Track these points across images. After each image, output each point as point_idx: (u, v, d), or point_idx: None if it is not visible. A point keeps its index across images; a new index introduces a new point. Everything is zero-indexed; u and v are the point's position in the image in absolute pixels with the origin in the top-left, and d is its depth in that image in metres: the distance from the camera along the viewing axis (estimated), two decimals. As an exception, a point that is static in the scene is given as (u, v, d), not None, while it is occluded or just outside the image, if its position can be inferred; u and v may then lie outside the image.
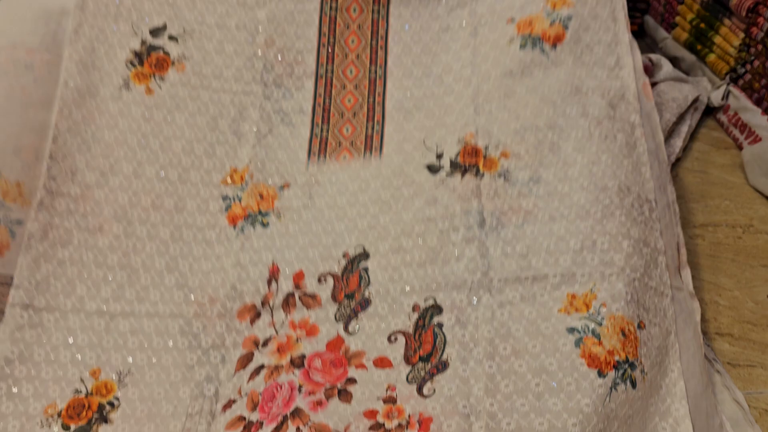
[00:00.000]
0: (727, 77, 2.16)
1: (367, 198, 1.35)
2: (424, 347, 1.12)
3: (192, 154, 1.37)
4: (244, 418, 1.09)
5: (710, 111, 2.30)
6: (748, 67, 2.10)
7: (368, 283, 1.24)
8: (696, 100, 2.13)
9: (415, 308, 1.17)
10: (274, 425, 1.05)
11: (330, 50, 1.50)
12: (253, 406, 1.10)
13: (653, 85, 2.10)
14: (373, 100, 1.46)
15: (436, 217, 1.27)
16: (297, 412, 1.06)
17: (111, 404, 1.16)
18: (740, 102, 2.08)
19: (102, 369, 1.19)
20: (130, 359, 1.19)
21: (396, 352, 1.13)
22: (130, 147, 1.34)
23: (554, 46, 1.39)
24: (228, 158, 1.39)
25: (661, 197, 1.28)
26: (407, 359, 1.12)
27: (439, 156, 1.36)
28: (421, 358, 1.11)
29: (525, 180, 1.27)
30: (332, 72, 1.49)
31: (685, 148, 2.05)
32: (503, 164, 1.29)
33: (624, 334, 1.05)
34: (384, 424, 1.03)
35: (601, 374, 1.02)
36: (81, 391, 1.18)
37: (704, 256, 1.52)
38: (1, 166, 1.27)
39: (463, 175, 1.31)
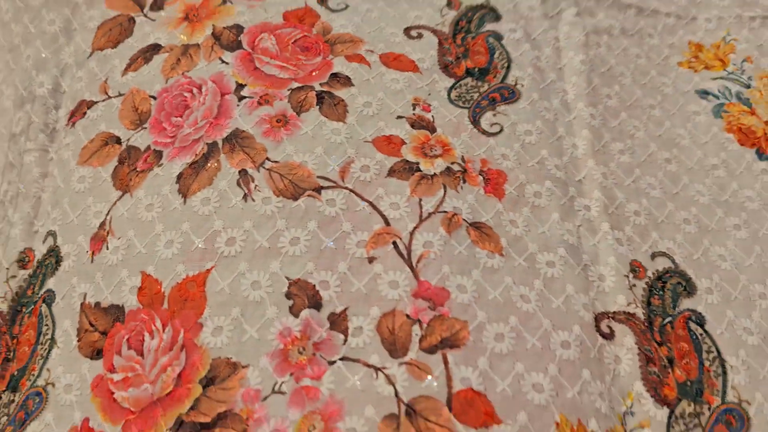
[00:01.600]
0: None
1: None
2: (474, 57, 0.61)
3: None
4: (118, 141, 0.54)
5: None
6: None
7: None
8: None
9: (451, 3, 0.65)
10: (187, 160, 0.51)
11: None
12: (139, 120, 0.55)
13: None
14: None
15: None
16: (238, 139, 0.52)
17: None
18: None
19: None
20: None
21: (423, 51, 0.61)
22: None
23: None
24: None
25: None
26: (445, 67, 0.60)
27: None
28: (469, 72, 0.60)
29: None
30: None
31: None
32: None
33: None
34: (418, 165, 0.53)
35: (762, 155, 0.62)
36: None
37: None
38: None
39: None
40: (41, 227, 0.54)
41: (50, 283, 0.50)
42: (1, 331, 0.50)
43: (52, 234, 0.52)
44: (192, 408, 0.41)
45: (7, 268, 0.52)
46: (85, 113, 0.57)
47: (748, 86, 0.67)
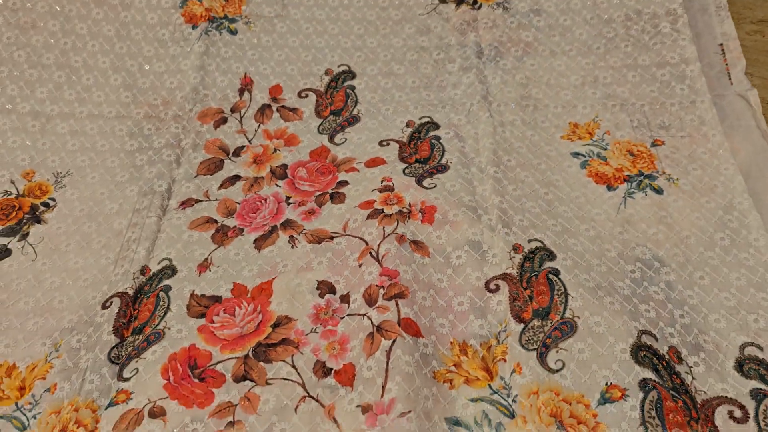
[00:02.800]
0: None
1: (350, 15, 1.25)
2: (421, 152, 1.03)
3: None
4: (215, 221, 0.96)
5: None
6: None
7: (356, 101, 1.13)
8: None
9: (409, 124, 1.08)
10: (259, 233, 0.93)
11: None
12: (228, 213, 0.97)
13: None
14: None
15: (429, 47, 1.20)
16: (288, 223, 0.94)
17: (46, 205, 1.01)
18: None
19: (36, 170, 1.06)
20: (69, 161, 1.07)
21: (390, 153, 1.03)
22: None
23: None
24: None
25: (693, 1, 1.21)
26: (402, 159, 1.02)
27: (430, -25, 1.28)
28: (417, 161, 1.01)
29: (525, 11, 1.22)
30: None
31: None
32: None
33: (633, 154, 1.01)
34: (383, 210, 0.92)
35: (610, 188, 0.98)
36: (11, 193, 1.03)
37: (763, 52, 1.36)
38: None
39: (458, 4, 1.24)
40: (155, 255, 0.92)
41: (167, 282, 0.88)
42: (128, 304, 0.86)
43: (167, 259, 0.91)
44: (266, 338, 0.79)
45: (134, 273, 0.90)
46: (193, 204, 0.99)
47: (605, 149, 1.03)
